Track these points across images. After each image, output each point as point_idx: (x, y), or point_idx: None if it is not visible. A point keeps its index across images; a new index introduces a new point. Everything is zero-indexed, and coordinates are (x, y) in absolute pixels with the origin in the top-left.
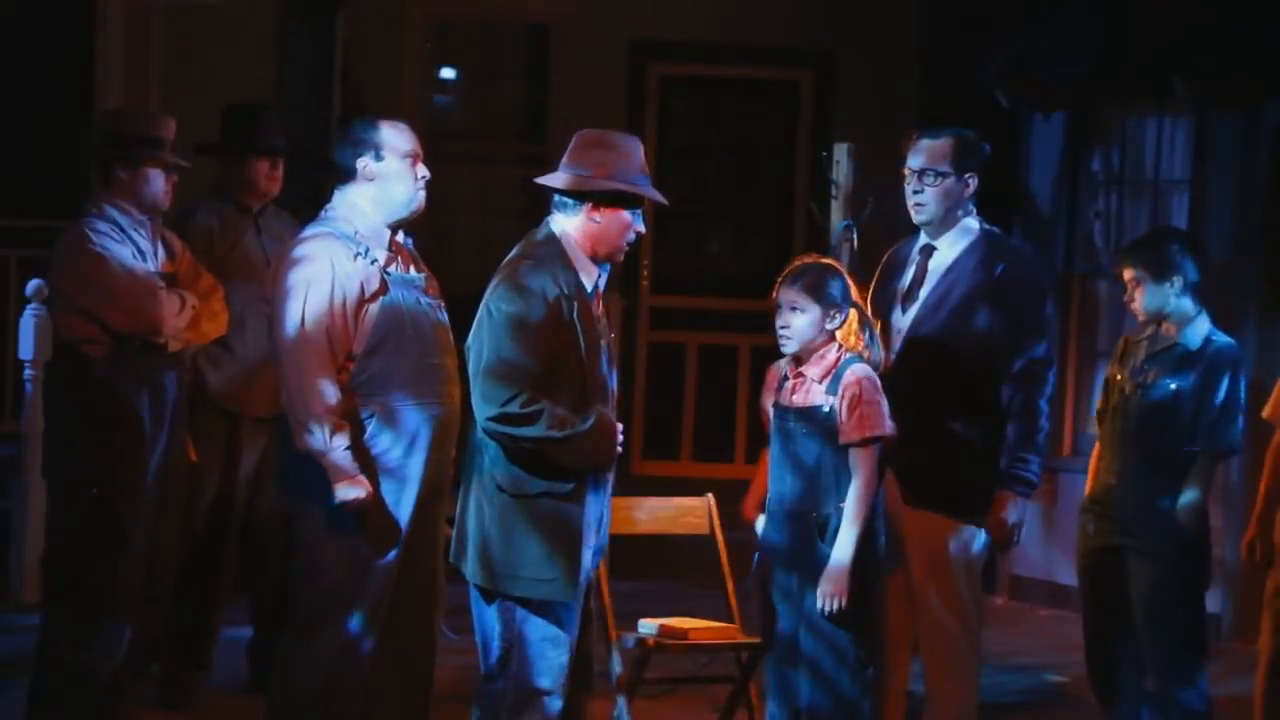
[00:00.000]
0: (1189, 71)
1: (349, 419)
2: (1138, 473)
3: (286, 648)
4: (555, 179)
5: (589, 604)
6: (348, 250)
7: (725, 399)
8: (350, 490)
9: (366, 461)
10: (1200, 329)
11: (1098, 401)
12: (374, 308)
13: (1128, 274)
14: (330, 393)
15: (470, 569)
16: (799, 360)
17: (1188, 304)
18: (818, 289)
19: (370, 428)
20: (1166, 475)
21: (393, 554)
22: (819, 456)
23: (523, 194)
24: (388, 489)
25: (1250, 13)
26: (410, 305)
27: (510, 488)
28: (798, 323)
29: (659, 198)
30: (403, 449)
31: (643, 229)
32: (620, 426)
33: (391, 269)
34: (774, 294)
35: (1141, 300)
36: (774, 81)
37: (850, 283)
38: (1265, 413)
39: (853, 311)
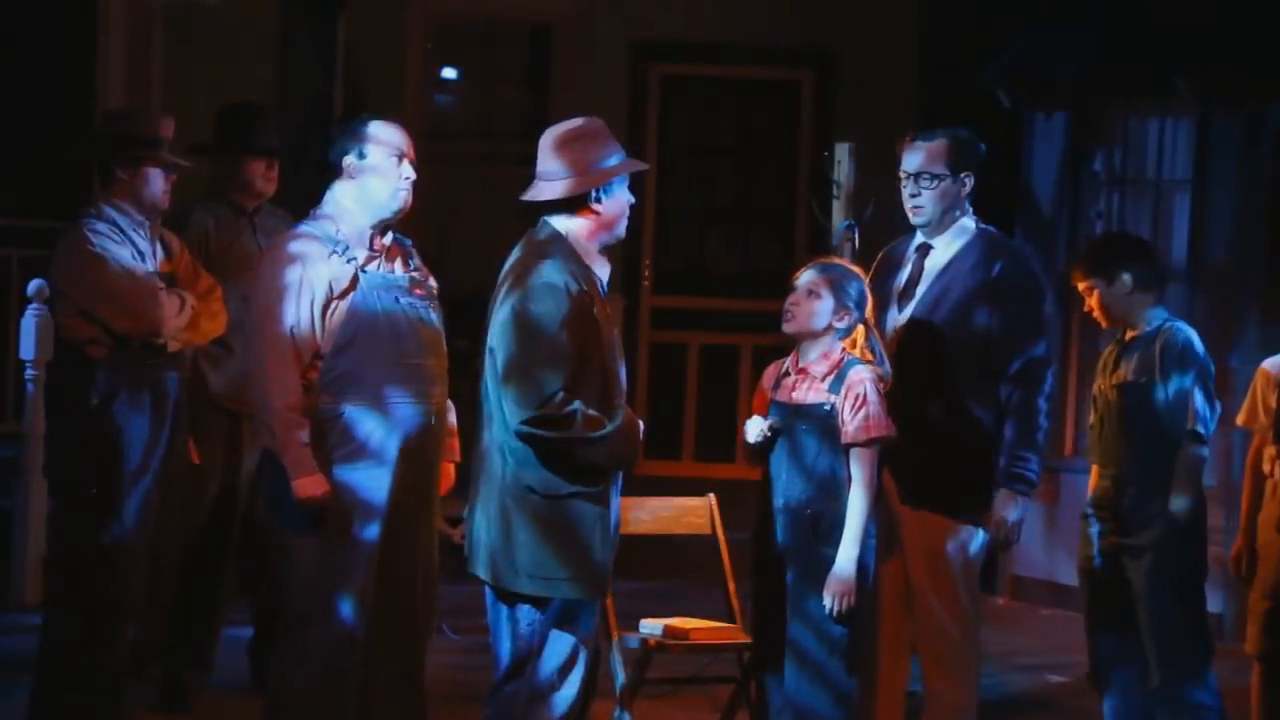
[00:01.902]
0: (1191, 71)
1: (315, 417)
2: (1127, 471)
3: (279, 648)
4: (548, 191)
5: None
6: (323, 249)
7: (727, 399)
8: (307, 487)
9: (330, 459)
10: (1155, 322)
11: (1090, 418)
12: (343, 306)
13: (1081, 285)
14: (291, 390)
15: (493, 572)
16: (801, 357)
17: (1141, 300)
18: (838, 283)
19: (339, 426)
20: (1153, 470)
21: (365, 551)
22: (817, 454)
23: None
24: (359, 486)
25: (1252, 13)
26: (386, 305)
27: (543, 489)
28: (807, 306)
29: (642, 166)
30: (374, 448)
31: (633, 199)
32: (642, 425)
33: (371, 268)
34: (793, 277)
35: (1096, 305)
36: (775, 81)
37: (869, 295)
38: (1240, 419)
39: (860, 326)
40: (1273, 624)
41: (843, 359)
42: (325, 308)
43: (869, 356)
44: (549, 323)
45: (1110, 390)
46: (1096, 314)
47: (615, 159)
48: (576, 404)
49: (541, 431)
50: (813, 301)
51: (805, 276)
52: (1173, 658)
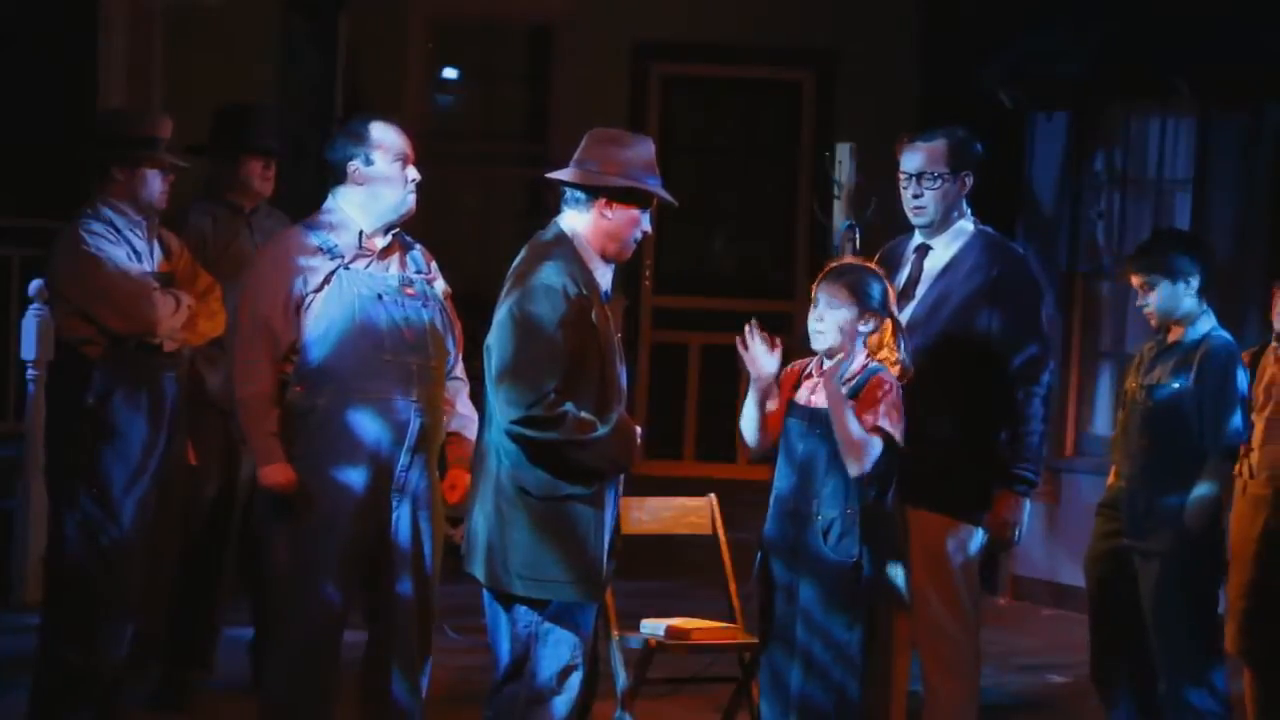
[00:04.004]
0: (1192, 71)
1: (290, 410)
2: (1147, 473)
3: (266, 646)
4: (566, 173)
5: None
6: (309, 247)
7: (728, 399)
8: (272, 474)
9: (303, 452)
10: (1201, 328)
11: (1118, 414)
12: (318, 303)
13: (1136, 279)
14: (258, 380)
15: (488, 573)
16: (825, 360)
17: (1194, 304)
18: (858, 289)
19: (313, 420)
20: (1175, 475)
21: (336, 544)
22: (829, 460)
23: (524, 194)
24: (331, 479)
25: (1252, 13)
26: (364, 303)
27: (537, 491)
28: (833, 319)
29: (669, 198)
30: (346, 442)
31: (649, 229)
32: (639, 428)
33: (357, 266)
34: (813, 290)
35: (1155, 303)
36: (776, 81)
37: (890, 289)
38: None
39: (888, 321)
40: (1250, 623)
41: (866, 365)
42: (300, 302)
43: (896, 352)
44: (544, 323)
45: (1140, 390)
46: (1149, 311)
47: (644, 176)
48: (568, 406)
49: (531, 432)
50: (836, 314)
51: (823, 290)
52: (1178, 661)
